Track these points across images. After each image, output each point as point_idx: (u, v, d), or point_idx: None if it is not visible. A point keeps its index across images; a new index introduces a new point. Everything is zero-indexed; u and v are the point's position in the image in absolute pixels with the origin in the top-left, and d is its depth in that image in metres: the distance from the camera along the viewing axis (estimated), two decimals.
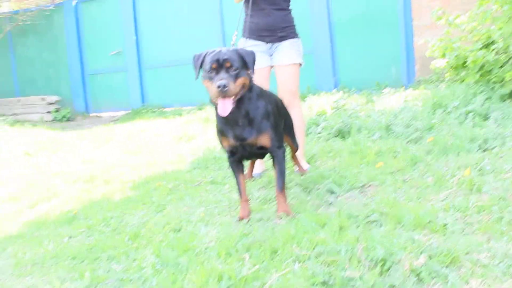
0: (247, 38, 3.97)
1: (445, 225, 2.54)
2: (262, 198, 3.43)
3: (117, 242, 3.03)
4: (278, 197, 3.06)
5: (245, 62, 2.86)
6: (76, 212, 3.85)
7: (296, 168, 3.95)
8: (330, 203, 3.17)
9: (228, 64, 2.76)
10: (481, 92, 5.07)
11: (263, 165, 4.14)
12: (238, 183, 3.15)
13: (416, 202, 2.95)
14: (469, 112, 4.62)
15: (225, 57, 2.77)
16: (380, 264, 2.11)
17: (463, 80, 5.74)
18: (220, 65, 2.76)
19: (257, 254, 2.42)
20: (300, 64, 4.00)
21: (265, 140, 2.99)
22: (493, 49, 5.26)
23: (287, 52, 3.91)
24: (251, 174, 4.01)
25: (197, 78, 2.98)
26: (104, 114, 11.33)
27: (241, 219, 3.06)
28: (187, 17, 9.93)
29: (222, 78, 2.71)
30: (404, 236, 2.41)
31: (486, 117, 4.55)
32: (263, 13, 3.89)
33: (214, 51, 2.85)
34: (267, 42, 3.95)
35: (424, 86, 6.70)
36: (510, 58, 5.19)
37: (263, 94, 3.08)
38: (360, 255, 2.21)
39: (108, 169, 5.12)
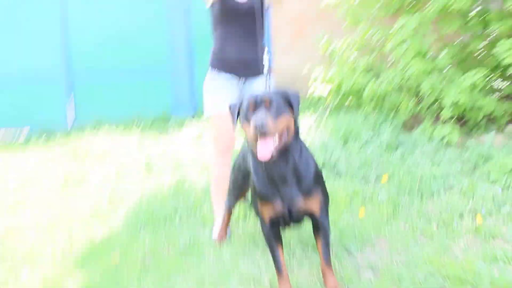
0: (218, 70, 3.50)
1: None
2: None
3: None
4: (325, 271, 2.69)
5: (289, 102, 2.51)
6: None
7: None
8: (363, 266, 2.97)
9: (267, 102, 2.42)
10: (383, 121, 5.38)
11: None
12: (277, 259, 2.71)
13: (451, 254, 2.96)
14: (389, 143, 4.85)
15: (264, 95, 2.45)
16: None
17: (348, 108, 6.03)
18: (258, 104, 2.43)
19: None
20: None
21: (315, 205, 2.63)
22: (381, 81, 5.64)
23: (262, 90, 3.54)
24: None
25: (235, 124, 2.60)
26: None
27: None
28: None
29: (259, 116, 2.35)
30: None
31: (396, 147, 4.86)
32: (239, 42, 3.44)
33: (252, 93, 2.55)
34: (240, 77, 3.50)
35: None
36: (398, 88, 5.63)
37: (307, 148, 2.73)
38: None
39: None
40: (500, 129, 5.29)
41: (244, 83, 3.51)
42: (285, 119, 2.44)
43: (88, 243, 3.64)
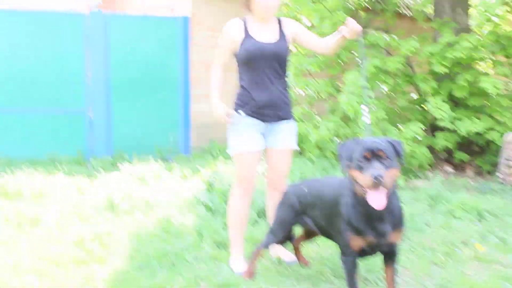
0: (245, 115, 3.53)
1: None
2: None
3: None
4: None
5: (397, 152, 2.76)
6: None
7: (293, 258, 3.76)
8: None
9: (382, 154, 2.64)
10: (328, 166, 5.84)
11: None
12: (355, 286, 2.92)
13: (472, 278, 3.40)
14: None
15: (380, 146, 2.65)
16: None
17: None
18: (373, 155, 2.63)
19: None
20: None
21: (398, 236, 2.90)
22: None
23: (288, 135, 3.67)
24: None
25: (343, 168, 2.77)
26: None
27: None
28: None
29: (377, 168, 2.59)
30: None
31: None
32: (266, 85, 3.51)
33: (364, 140, 2.72)
34: (266, 122, 3.58)
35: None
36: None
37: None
38: None
39: None
40: (424, 175, 6.09)
41: (271, 125, 3.60)
42: (396, 170, 2.68)
43: (107, 285, 3.38)
